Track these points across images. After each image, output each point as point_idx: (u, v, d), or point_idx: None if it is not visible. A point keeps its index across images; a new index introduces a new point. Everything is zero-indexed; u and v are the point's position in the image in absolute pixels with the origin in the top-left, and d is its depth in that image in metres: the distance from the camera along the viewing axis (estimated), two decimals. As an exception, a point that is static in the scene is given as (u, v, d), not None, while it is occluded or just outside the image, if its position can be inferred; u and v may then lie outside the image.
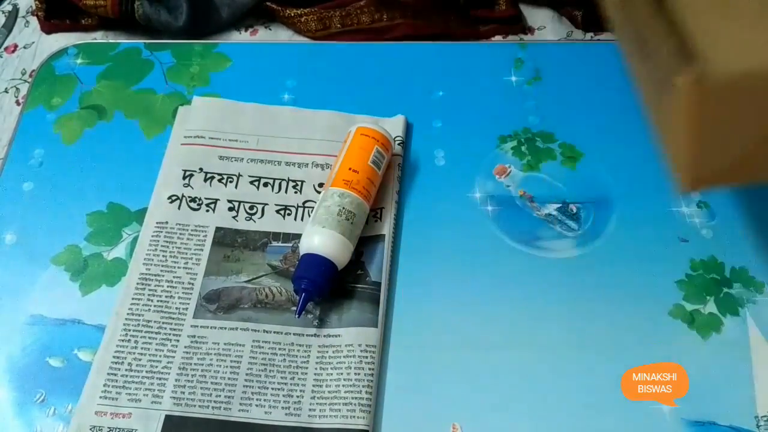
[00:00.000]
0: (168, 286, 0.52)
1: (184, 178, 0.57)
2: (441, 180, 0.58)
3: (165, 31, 0.69)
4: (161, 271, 0.52)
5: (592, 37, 0.70)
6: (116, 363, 0.48)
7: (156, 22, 0.68)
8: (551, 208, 0.57)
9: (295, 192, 0.57)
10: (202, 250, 0.54)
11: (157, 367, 0.48)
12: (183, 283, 0.52)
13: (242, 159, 0.58)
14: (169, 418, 0.46)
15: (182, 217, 0.55)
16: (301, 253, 0.51)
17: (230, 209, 0.56)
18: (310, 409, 0.47)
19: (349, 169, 0.53)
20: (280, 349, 0.49)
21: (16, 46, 0.71)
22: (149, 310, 0.51)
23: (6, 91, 0.67)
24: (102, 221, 0.56)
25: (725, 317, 0.51)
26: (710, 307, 0.52)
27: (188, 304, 0.51)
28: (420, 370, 0.49)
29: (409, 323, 0.51)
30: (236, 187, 0.57)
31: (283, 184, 0.57)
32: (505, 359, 0.50)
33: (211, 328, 0.50)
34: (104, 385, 0.48)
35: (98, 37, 0.70)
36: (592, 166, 0.59)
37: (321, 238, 0.50)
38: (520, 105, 0.63)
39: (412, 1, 0.69)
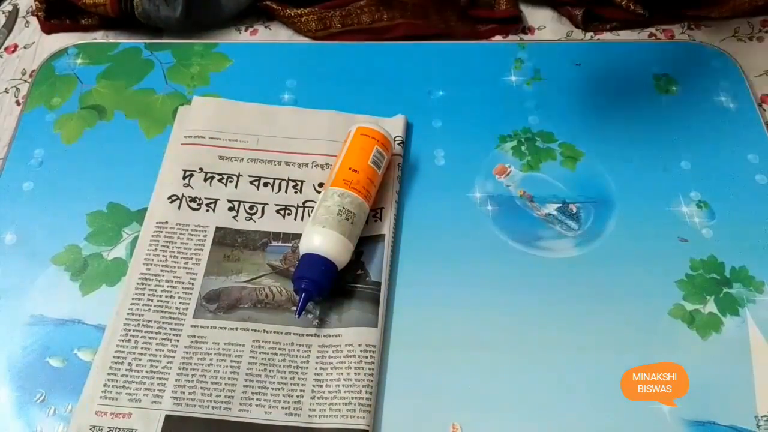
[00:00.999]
0: (168, 286, 0.52)
1: (184, 178, 0.57)
2: (441, 180, 0.58)
3: (165, 26, 0.69)
4: (161, 271, 0.52)
5: (592, 37, 0.70)
6: (116, 363, 0.48)
7: (155, 18, 0.68)
8: (551, 208, 0.57)
9: (295, 192, 0.57)
10: (202, 250, 0.54)
11: (157, 366, 0.48)
12: (183, 283, 0.52)
13: (242, 159, 0.58)
14: (169, 418, 0.46)
15: (182, 217, 0.55)
16: (301, 253, 0.51)
17: (230, 209, 0.56)
18: (310, 409, 0.47)
19: (349, 169, 0.53)
20: (280, 349, 0.49)
21: (16, 46, 0.71)
22: (149, 310, 0.51)
23: (6, 91, 0.67)
24: (102, 221, 0.56)
25: (725, 317, 0.51)
26: (710, 307, 0.52)
27: (188, 304, 0.51)
28: (420, 370, 0.49)
29: (409, 323, 0.51)
30: (236, 187, 0.57)
31: (283, 183, 0.57)
32: (505, 359, 0.50)
33: (211, 328, 0.50)
34: (104, 385, 0.48)
35: (98, 37, 0.70)
36: (592, 166, 0.59)
37: (321, 238, 0.50)
38: (520, 105, 0.63)
39: (412, 0, 0.69)
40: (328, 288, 0.50)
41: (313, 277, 0.49)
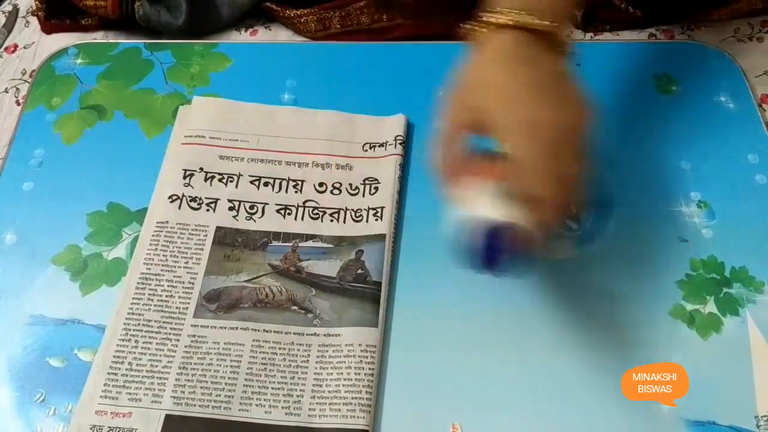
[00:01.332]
0: (168, 286, 0.52)
1: (184, 177, 0.57)
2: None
3: (165, 31, 0.69)
4: (161, 270, 0.52)
5: (592, 37, 0.70)
6: (116, 362, 0.48)
7: (156, 22, 0.68)
8: (551, 208, 0.56)
9: (295, 192, 0.57)
10: (202, 249, 0.54)
11: (157, 366, 0.48)
12: (183, 282, 0.52)
13: (242, 159, 0.59)
14: (169, 418, 0.46)
15: (183, 216, 0.55)
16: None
17: (230, 209, 0.56)
18: (310, 409, 0.47)
19: None
20: (280, 348, 0.49)
21: (16, 46, 0.71)
22: (149, 309, 0.51)
23: (6, 91, 0.67)
24: (102, 221, 0.56)
25: (725, 317, 0.51)
26: (710, 307, 0.52)
27: (188, 303, 0.51)
28: (420, 370, 0.49)
29: (409, 323, 0.51)
30: (236, 186, 0.57)
31: (284, 183, 0.57)
32: (505, 359, 0.50)
33: (211, 327, 0.50)
34: (104, 385, 0.48)
35: (98, 37, 0.70)
36: (592, 166, 0.59)
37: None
38: (520, 105, 0.63)
39: (412, 1, 0.69)
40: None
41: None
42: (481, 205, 0.45)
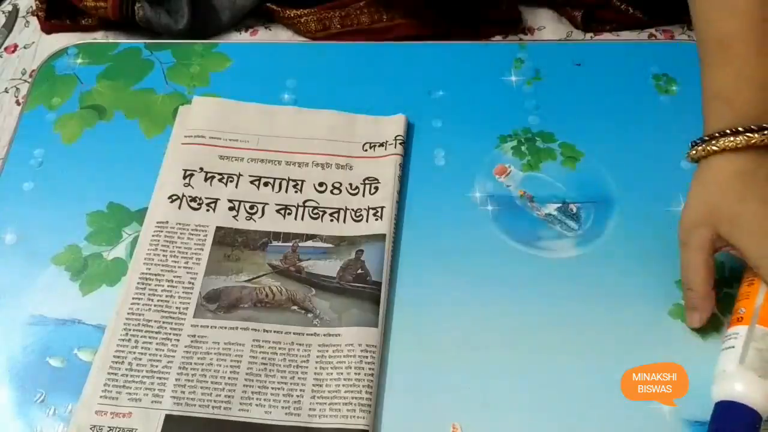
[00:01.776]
0: (168, 286, 0.52)
1: (184, 177, 0.57)
2: (441, 180, 0.58)
3: (164, 33, 0.69)
4: (161, 270, 0.52)
5: (592, 37, 0.70)
6: (116, 362, 0.48)
7: (156, 25, 0.68)
8: (551, 208, 0.57)
9: (295, 192, 0.57)
10: (202, 249, 0.54)
11: (157, 366, 0.48)
12: (183, 282, 0.52)
13: (242, 159, 0.59)
14: (169, 418, 0.46)
15: (183, 216, 0.55)
16: (719, 399, 0.45)
17: (230, 209, 0.56)
18: (310, 409, 0.47)
19: None
20: (280, 348, 0.49)
21: (16, 46, 0.71)
22: (149, 309, 0.51)
23: (6, 91, 0.67)
24: (102, 221, 0.56)
25: (725, 317, 0.51)
26: (710, 307, 0.51)
27: (188, 303, 0.51)
28: (420, 370, 0.49)
29: (409, 323, 0.51)
30: (236, 186, 0.57)
31: (284, 183, 0.57)
32: (505, 359, 0.50)
33: (211, 327, 0.50)
34: (104, 385, 0.48)
35: (98, 37, 0.71)
36: (592, 166, 0.59)
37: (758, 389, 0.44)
38: (520, 105, 0.63)
39: (412, 1, 0.69)
40: None
41: None
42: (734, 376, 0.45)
